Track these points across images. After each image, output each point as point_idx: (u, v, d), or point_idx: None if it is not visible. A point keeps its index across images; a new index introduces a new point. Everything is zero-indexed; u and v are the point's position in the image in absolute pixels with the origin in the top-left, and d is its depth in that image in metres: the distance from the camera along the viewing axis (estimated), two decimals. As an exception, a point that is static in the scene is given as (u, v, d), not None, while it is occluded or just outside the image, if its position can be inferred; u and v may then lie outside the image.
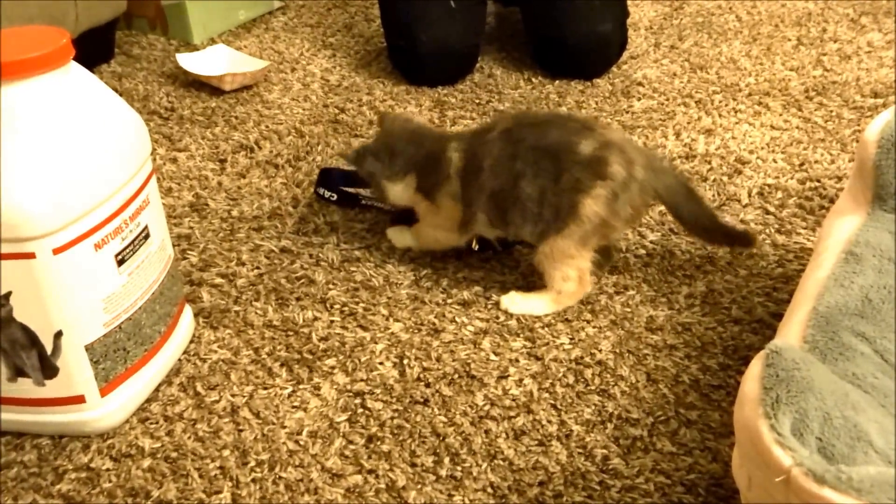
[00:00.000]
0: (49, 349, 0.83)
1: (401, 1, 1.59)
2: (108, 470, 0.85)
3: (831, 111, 1.43)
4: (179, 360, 0.98)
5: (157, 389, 0.94)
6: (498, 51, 1.72)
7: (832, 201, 1.20)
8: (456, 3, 1.55)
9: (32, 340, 0.82)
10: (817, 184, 1.24)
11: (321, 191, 1.24)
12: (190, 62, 1.65)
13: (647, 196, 0.99)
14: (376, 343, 0.99)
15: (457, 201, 1.04)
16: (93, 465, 0.86)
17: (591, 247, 1.00)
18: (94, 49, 1.68)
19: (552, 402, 0.90)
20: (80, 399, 0.86)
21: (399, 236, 1.14)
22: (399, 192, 1.09)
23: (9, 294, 0.80)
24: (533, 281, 1.07)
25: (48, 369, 0.84)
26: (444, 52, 1.55)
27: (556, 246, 0.99)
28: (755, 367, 0.63)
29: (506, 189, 1.00)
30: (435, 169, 1.05)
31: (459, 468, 0.84)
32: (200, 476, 0.84)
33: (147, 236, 0.89)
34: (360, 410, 0.91)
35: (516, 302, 1.03)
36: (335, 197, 1.23)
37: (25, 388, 0.85)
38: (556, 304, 1.02)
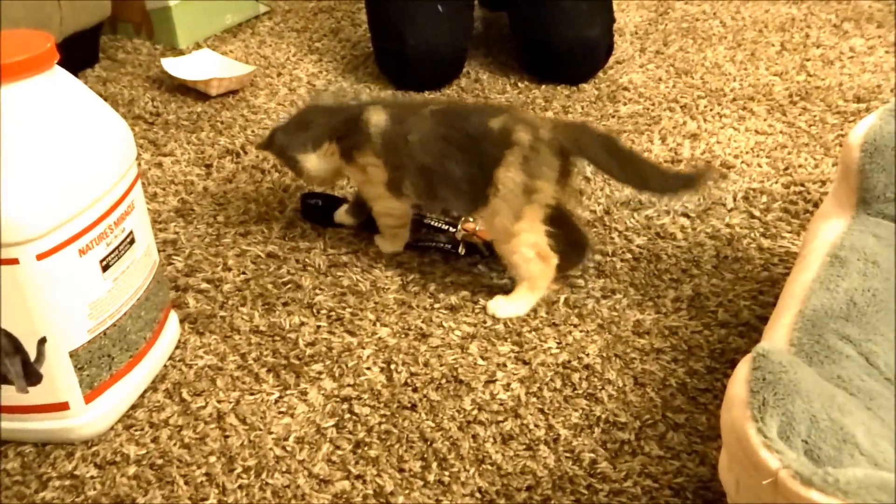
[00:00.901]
0: (33, 356, 0.82)
1: (388, 4, 1.59)
2: (92, 477, 0.84)
3: (815, 116, 1.44)
4: (165, 366, 0.97)
5: (142, 396, 0.93)
6: (485, 55, 1.72)
7: (816, 205, 1.20)
8: (443, 7, 1.55)
9: (16, 347, 0.81)
10: (802, 188, 1.25)
11: (312, 201, 1.23)
12: (175, 67, 1.64)
13: (558, 152, 0.99)
14: (363, 348, 0.99)
15: (379, 159, 1.06)
16: (77, 472, 0.85)
17: (529, 218, 1.00)
18: (78, 53, 1.67)
19: (540, 406, 0.90)
20: (64, 406, 0.86)
21: (386, 242, 1.14)
22: (315, 162, 1.11)
23: (-8, 300, 0.79)
24: (520, 285, 1.08)
25: (32, 376, 0.83)
26: (432, 56, 1.55)
27: (495, 228, 1.01)
28: (742, 370, 0.63)
29: (433, 167, 1.03)
30: (355, 131, 1.07)
31: (447, 473, 0.83)
32: (186, 483, 0.83)
33: (132, 241, 0.88)
34: (347, 416, 0.90)
35: (502, 306, 1.03)
36: (320, 203, 1.22)
37: (9, 395, 0.85)
38: (533, 292, 1.03)
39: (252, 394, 0.93)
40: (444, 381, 0.94)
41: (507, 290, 1.07)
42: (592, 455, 0.84)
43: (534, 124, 1.00)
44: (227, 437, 0.88)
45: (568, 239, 1.05)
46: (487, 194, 1.00)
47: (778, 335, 0.73)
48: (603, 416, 0.89)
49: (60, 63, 0.82)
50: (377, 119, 1.07)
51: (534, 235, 1.01)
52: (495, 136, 1.00)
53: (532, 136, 0.99)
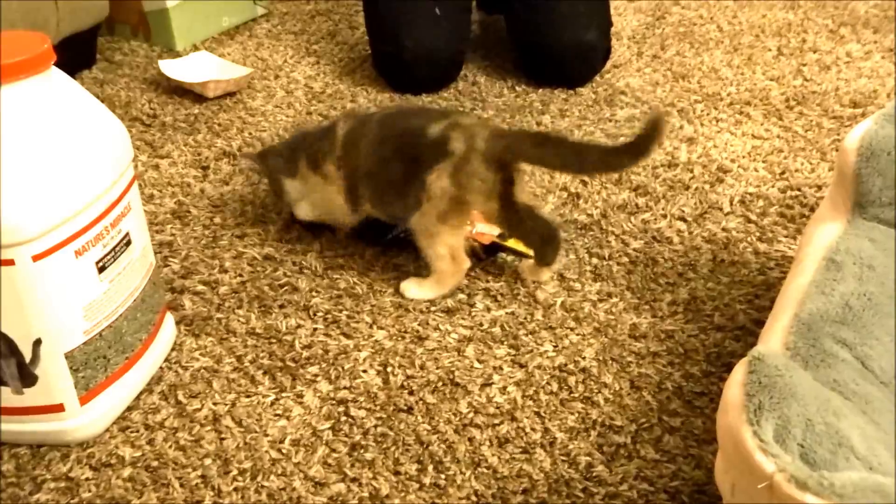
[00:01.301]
0: (28, 357, 0.82)
1: (386, 7, 1.59)
2: (87, 479, 0.84)
3: (811, 120, 1.45)
4: (161, 368, 0.97)
5: (137, 398, 0.93)
6: (482, 59, 1.73)
7: (813, 209, 1.21)
8: (441, 10, 1.55)
9: (11, 348, 0.81)
10: (798, 192, 1.25)
11: None
12: (173, 69, 1.64)
13: (492, 163, 1.00)
14: (360, 351, 0.99)
15: (339, 168, 1.09)
16: (72, 474, 0.85)
17: (453, 223, 1.03)
18: (75, 55, 1.67)
19: (536, 409, 0.90)
20: (59, 408, 0.85)
21: (415, 288, 1.09)
22: (296, 186, 1.14)
23: (-13, 301, 0.79)
24: (518, 288, 1.08)
25: (27, 378, 0.83)
26: (430, 58, 1.56)
27: (419, 225, 1.03)
28: (738, 373, 0.63)
29: (375, 171, 1.06)
30: (321, 142, 1.11)
31: (443, 476, 0.83)
32: (182, 485, 0.83)
33: (129, 243, 0.88)
34: (343, 418, 0.90)
35: (410, 288, 1.07)
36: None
37: (4, 396, 0.84)
38: (440, 286, 1.06)
39: (248, 396, 0.93)
40: (440, 384, 0.94)
41: (503, 293, 1.07)
42: (588, 458, 0.85)
43: (472, 133, 1.01)
44: (222, 439, 0.88)
45: (540, 236, 1.06)
46: (420, 198, 1.02)
47: (774, 339, 0.74)
48: (599, 420, 0.89)
49: (57, 64, 0.82)
50: (341, 132, 1.10)
51: (453, 238, 1.04)
52: (431, 143, 1.01)
53: (467, 146, 1.00)
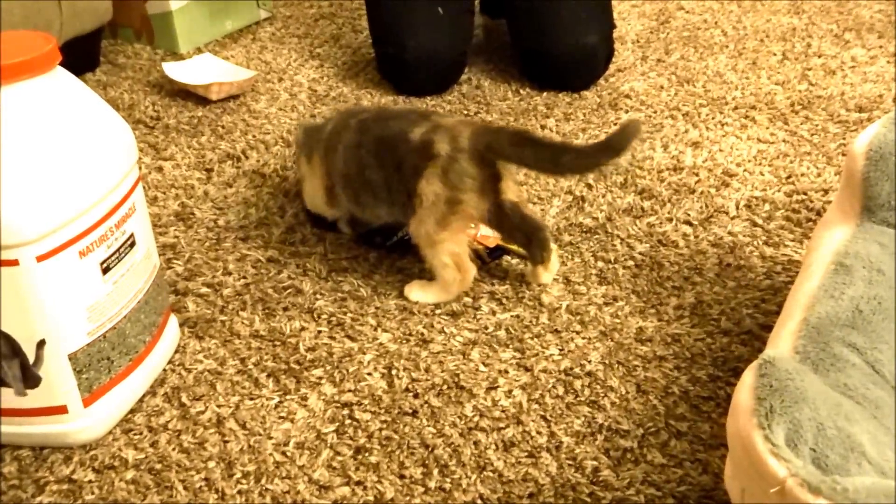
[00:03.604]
0: (31, 358, 0.81)
1: (388, 9, 1.59)
2: (90, 482, 0.84)
3: (817, 125, 1.44)
4: (164, 370, 0.97)
5: (141, 400, 0.93)
6: (486, 62, 1.72)
7: (819, 214, 1.20)
8: (444, 11, 1.55)
9: (14, 349, 0.81)
10: (804, 196, 1.25)
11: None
12: (176, 71, 1.64)
13: (478, 161, 0.99)
14: (364, 354, 0.98)
15: (322, 164, 1.11)
16: (75, 477, 0.84)
17: (454, 228, 1.01)
18: (78, 58, 1.66)
19: (542, 413, 0.90)
20: (62, 409, 0.85)
21: (419, 292, 1.08)
22: (304, 168, 1.16)
23: (-9, 302, 0.78)
24: (523, 291, 1.07)
25: (30, 379, 0.83)
26: (432, 59, 1.55)
27: (419, 233, 1.03)
28: (748, 377, 0.63)
29: (353, 174, 1.07)
30: (317, 135, 1.13)
31: (448, 480, 0.83)
32: (185, 488, 0.83)
33: (133, 244, 0.87)
34: (347, 421, 0.90)
35: (414, 290, 1.06)
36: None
37: (6, 398, 0.84)
38: (445, 293, 1.05)
39: (252, 398, 0.93)
40: (445, 387, 0.93)
41: (508, 296, 1.06)
42: (595, 463, 0.84)
43: (454, 133, 1.01)
44: (226, 442, 0.87)
45: (525, 233, 1.06)
46: (414, 204, 1.01)
47: (782, 343, 0.73)
48: (605, 424, 0.88)
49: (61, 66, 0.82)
50: (329, 128, 1.12)
51: (455, 246, 1.03)
52: (415, 147, 1.01)
53: (451, 146, 0.99)
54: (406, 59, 1.55)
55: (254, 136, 1.46)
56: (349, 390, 0.93)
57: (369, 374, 0.95)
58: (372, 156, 1.04)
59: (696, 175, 1.30)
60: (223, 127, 1.50)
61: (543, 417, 0.89)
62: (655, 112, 1.50)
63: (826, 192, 1.25)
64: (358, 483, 0.83)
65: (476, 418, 0.89)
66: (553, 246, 1.07)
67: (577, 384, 0.93)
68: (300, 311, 1.05)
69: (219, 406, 0.92)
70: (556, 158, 0.99)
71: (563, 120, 1.49)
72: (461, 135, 1.00)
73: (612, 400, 0.91)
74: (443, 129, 1.01)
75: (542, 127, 1.47)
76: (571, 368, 0.95)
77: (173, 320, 1.00)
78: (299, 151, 1.18)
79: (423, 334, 1.01)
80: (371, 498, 0.81)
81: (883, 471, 0.59)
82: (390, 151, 1.03)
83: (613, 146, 0.95)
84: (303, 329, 1.02)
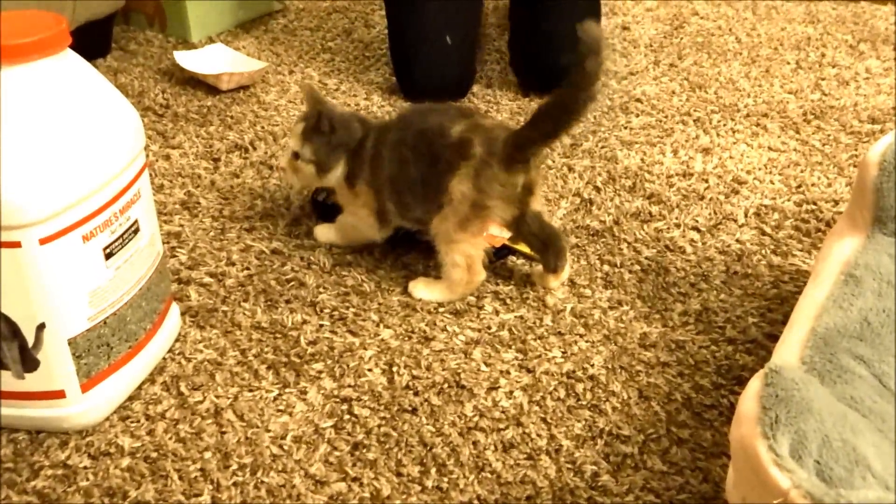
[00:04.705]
0: (31, 342, 0.81)
1: (399, 35, 1.57)
2: (85, 468, 0.83)
3: (829, 135, 1.43)
4: (164, 358, 0.96)
5: (139, 387, 0.92)
6: (496, 63, 1.71)
7: (829, 224, 1.19)
8: (451, 40, 1.54)
9: (14, 332, 0.80)
10: (814, 206, 1.23)
11: (320, 198, 1.22)
12: (187, 60, 1.63)
13: (510, 168, 0.98)
14: (365, 349, 0.98)
15: (370, 189, 1.06)
16: (70, 462, 0.84)
17: (473, 231, 1.01)
18: (90, 43, 1.66)
19: (542, 415, 0.89)
20: (60, 394, 0.84)
21: (324, 232, 1.14)
22: (334, 174, 1.09)
23: (-8, 283, 0.78)
24: (527, 292, 1.06)
25: (29, 362, 0.82)
26: (439, 87, 1.52)
27: (439, 230, 1.02)
28: (754, 385, 0.62)
29: (396, 173, 1.04)
30: (358, 158, 1.07)
31: (446, 479, 0.82)
32: (180, 478, 0.82)
33: (137, 231, 0.87)
34: (346, 417, 0.89)
35: (419, 289, 1.05)
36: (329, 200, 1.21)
37: (4, 380, 0.83)
38: (450, 293, 1.04)
39: (251, 390, 0.92)
40: (445, 385, 0.93)
41: (512, 297, 1.06)
42: (594, 467, 0.83)
43: (490, 136, 0.99)
44: (223, 433, 0.87)
45: (542, 241, 1.05)
46: (442, 201, 1.00)
47: (789, 352, 0.72)
48: (606, 429, 0.87)
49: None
50: (369, 146, 1.07)
51: (471, 248, 1.02)
52: (453, 144, 1.00)
53: (486, 149, 0.98)
54: (413, 86, 1.55)
55: (262, 128, 1.46)
56: (349, 385, 0.93)
57: (370, 369, 0.95)
58: (410, 150, 1.02)
59: (706, 181, 1.29)
60: (232, 117, 1.49)
61: (544, 420, 0.88)
62: (666, 117, 1.49)
63: (836, 202, 1.24)
64: (354, 479, 0.82)
65: (476, 418, 0.89)
66: (568, 256, 1.06)
67: (579, 387, 0.92)
68: (302, 304, 1.04)
69: (217, 396, 0.91)
70: (571, 106, 0.95)
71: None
72: (498, 138, 0.99)
73: (613, 405, 0.90)
74: (481, 130, 1.00)
75: (552, 128, 1.46)
76: (574, 371, 0.94)
77: (175, 309, 0.99)
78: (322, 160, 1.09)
79: (425, 332, 1.00)
80: (367, 495, 0.80)
81: (887, 485, 0.58)
82: (428, 145, 1.01)
83: (592, 48, 0.92)
84: (304, 322, 1.01)
